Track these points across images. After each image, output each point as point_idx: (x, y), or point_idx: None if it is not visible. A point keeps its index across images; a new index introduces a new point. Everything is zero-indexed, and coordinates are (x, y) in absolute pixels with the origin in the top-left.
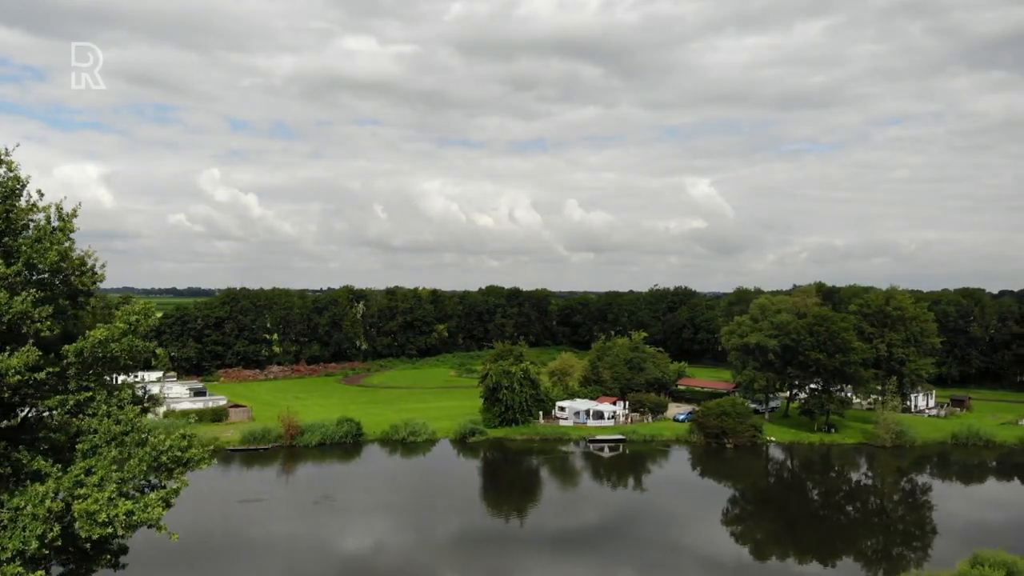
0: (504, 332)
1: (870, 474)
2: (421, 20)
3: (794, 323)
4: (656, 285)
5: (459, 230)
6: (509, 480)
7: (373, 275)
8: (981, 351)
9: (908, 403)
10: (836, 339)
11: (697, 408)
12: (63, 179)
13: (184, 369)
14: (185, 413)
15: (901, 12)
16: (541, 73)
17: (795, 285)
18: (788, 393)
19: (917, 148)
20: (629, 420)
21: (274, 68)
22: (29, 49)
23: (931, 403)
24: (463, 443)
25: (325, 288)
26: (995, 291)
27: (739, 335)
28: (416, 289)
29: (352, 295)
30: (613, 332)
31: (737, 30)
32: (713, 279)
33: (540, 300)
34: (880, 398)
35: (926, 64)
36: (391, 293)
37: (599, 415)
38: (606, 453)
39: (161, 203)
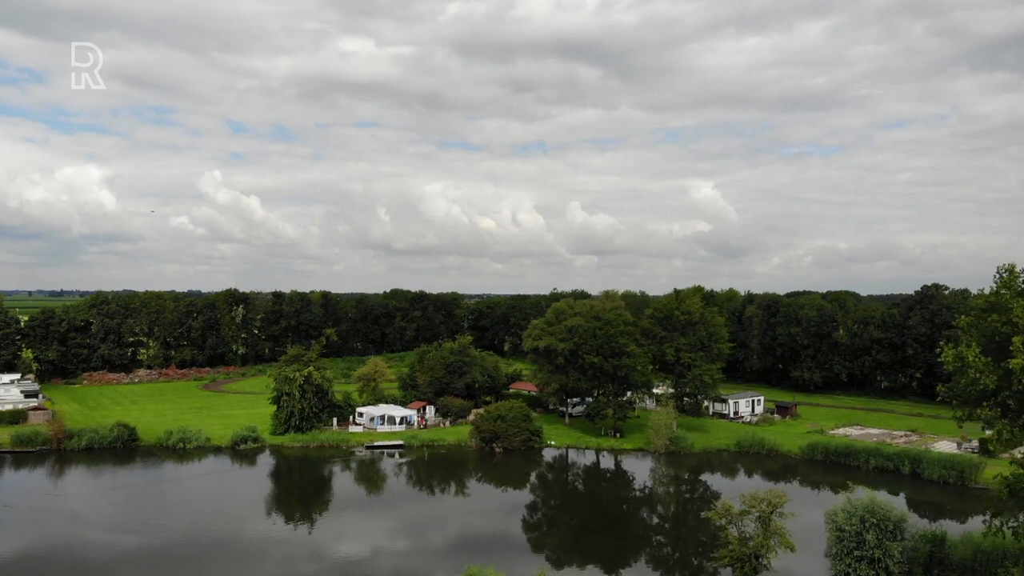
0: (405, 336)
1: (610, 477)
2: (417, 21)
3: (581, 327)
4: (554, 289)
5: (461, 233)
6: (238, 490)
7: (377, 279)
8: (844, 357)
9: (727, 408)
10: (613, 343)
11: (480, 412)
12: (66, 181)
13: (48, 372)
14: None
15: (902, 12)
16: (540, 75)
17: (792, 291)
18: (580, 398)
19: (920, 151)
20: (424, 424)
21: (271, 70)
22: (25, 51)
23: (759, 409)
24: (235, 451)
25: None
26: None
27: (533, 338)
28: (308, 292)
29: (233, 298)
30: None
31: (737, 31)
32: (717, 282)
33: (447, 303)
34: (665, 402)
35: (928, 65)
36: (278, 296)
37: (392, 420)
38: (397, 458)
39: (164, 205)
